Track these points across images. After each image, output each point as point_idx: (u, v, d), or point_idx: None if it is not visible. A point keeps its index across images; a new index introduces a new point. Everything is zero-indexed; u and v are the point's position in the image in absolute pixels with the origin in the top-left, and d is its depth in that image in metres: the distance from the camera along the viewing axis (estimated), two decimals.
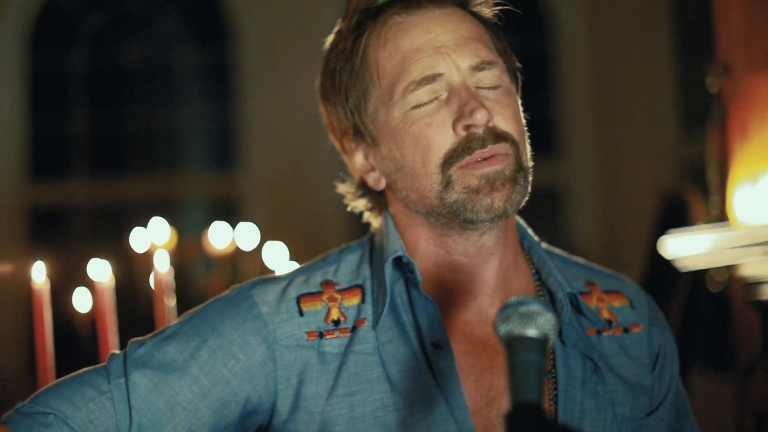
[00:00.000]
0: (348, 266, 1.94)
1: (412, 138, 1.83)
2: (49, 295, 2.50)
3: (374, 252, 1.95)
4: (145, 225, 4.22)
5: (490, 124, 1.81)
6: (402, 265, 1.88)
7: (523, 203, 1.86)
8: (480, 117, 1.79)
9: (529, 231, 2.02)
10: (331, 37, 1.97)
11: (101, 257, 2.91)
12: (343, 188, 2.05)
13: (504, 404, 1.85)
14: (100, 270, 2.73)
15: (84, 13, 9.31)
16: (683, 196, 4.15)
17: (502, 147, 1.82)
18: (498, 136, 1.82)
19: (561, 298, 1.91)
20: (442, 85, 1.83)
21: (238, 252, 4.54)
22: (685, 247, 3.60)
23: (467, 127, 1.81)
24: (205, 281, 4.56)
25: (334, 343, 1.85)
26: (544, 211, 8.53)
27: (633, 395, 1.93)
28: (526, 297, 1.46)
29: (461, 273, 1.90)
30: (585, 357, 1.89)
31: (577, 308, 1.94)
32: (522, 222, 2.02)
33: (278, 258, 4.42)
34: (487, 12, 1.95)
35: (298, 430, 1.82)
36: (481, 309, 1.91)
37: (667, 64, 8.65)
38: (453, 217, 1.84)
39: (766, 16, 3.68)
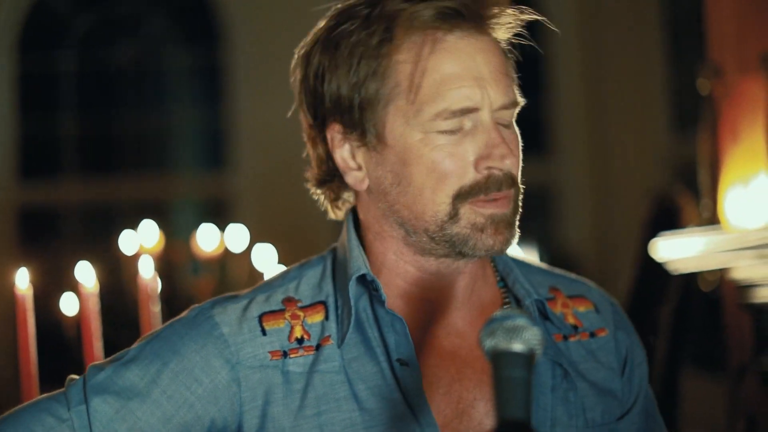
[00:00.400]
0: (309, 282, 1.88)
1: (430, 162, 1.77)
2: (33, 302, 2.47)
3: (337, 266, 1.89)
4: (134, 226, 4.20)
5: (508, 169, 1.79)
6: (366, 282, 1.83)
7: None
8: (509, 164, 1.77)
9: None
10: (329, 17, 1.85)
11: (90, 260, 2.88)
12: (309, 174, 1.94)
13: (473, 415, 1.82)
14: (86, 274, 2.70)
15: (74, 14, 9.27)
16: (674, 199, 4.14)
17: (510, 192, 1.80)
18: (512, 181, 1.79)
19: (528, 305, 1.88)
20: (472, 118, 1.77)
21: (226, 254, 4.50)
22: (677, 250, 3.59)
23: (489, 168, 1.77)
24: (193, 284, 4.51)
25: (298, 362, 1.80)
26: (536, 211, 8.53)
27: (603, 400, 1.90)
28: (512, 311, 1.42)
29: (430, 290, 1.87)
30: (554, 363, 1.87)
31: (544, 315, 1.91)
32: None
33: (267, 260, 4.40)
34: (506, 40, 1.88)
35: None
36: (449, 322, 1.87)
37: (658, 65, 8.64)
38: (447, 246, 1.81)
39: (757, 18, 3.67)
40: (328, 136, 1.85)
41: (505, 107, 1.78)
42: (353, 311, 1.80)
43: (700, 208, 3.82)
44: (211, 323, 1.81)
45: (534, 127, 8.71)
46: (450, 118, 1.75)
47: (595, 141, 8.84)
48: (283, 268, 4.56)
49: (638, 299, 4.12)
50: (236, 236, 4.61)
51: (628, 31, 8.63)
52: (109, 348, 2.74)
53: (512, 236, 1.81)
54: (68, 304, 3.49)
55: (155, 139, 9.24)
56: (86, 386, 1.78)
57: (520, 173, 1.82)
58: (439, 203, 1.78)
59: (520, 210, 1.83)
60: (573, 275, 2.05)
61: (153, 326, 2.64)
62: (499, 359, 1.37)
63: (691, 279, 3.92)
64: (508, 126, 1.81)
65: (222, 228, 4.71)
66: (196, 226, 4.83)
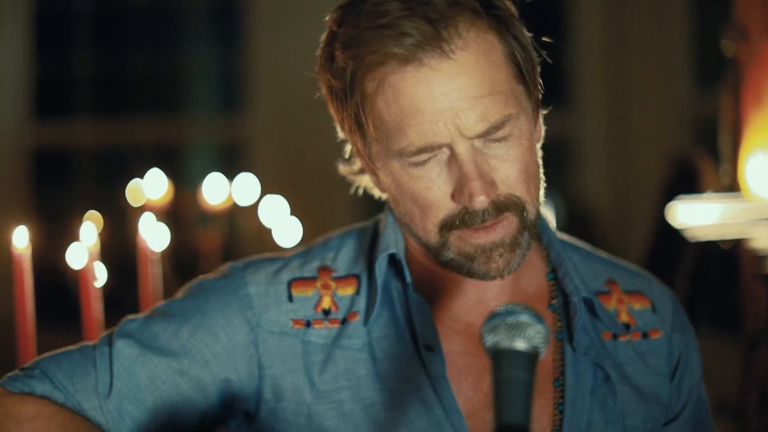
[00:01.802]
0: (348, 253, 1.86)
1: (411, 193, 1.71)
2: (30, 261, 2.41)
3: (375, 240, 1.85)
4: (146, 169, 4.11)
5: (492, 198, 1.67)
6: (396, 262, 1.80)
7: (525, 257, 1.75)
8: (479, 203, 1.65)
9: (551, 225, 1.91)
10: (325, 34, 1.77)
11: (99, 209, 2.83)
12: (344, 169, 1.93)
13: None
14: (87, 232, 2.65)
15: None
16: (694, 163, 4.06)
17: (504, 217, 1.69)
18: (500, 207, 1.69)
19: (575, 302, 1.81)
20: (444, 148, 1.67)
21: (235, 207, 4.42)
22: (695, 216, 3.52)
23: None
24: (200, 238, 4.44)
25: (321, 334, 1.79)
26: (553, 162, 8.41)
27: (647, 406, 1.84)
28: (515, 305, 1.36)
29: (460, 279, 1.81)
30: (596, 365, 1.80)
31: (593, 312, 1.83)
32: (544, 213, 1.88)
33: (277, 214, 4.33)
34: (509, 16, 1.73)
35: (286, 419, 1.77)
36: (487, 311, 1.77)
37: (681, 21, 8.51)
38: (450, 269, 1.76)
39: None
40: (349, 139, 1.83)
41: (485, 134, 1.66)
42: (378, 291, 1.77)
43: (720, 174, 3.75)
44: (240, 282, 1.81)
45: (553, 79, 8.59)
46: (413, 156, 1.67)
47: (615, 93, 8.73)
48: (295, 221, 4.53)
49: (654, 263, 4.06)
50: (245, 188, 4.50)
51: None
52: (110, 305, 2.70)
53: (514, 258, 1.72)
54: (74, 257, 3.42)
55: (170, 80, 9.16)
56: (115, 332, 1.82)
57: (525, 182, 1.71)
58: (428, 231, 1.72)
59: (532, 222, 1.73)
60: (635, 267, 1.97)
61: (153, 288, 2.58)
62: (500, 358, 1.31)
63: (708, 245, 3.84)
64: (503, 139, 1.68)
65: (233, 177, 4.60)
66: (208, 173, 4.73)
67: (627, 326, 1.86)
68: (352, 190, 1.94)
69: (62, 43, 9.05)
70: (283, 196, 4.67)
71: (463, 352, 1.78)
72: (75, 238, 3.48)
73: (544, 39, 1.78)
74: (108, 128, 9.04)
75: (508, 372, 1.29)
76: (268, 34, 8.68)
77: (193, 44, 9.12)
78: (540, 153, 1.80)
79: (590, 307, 1.82)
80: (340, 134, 1.85)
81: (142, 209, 3.85)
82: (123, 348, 1.78)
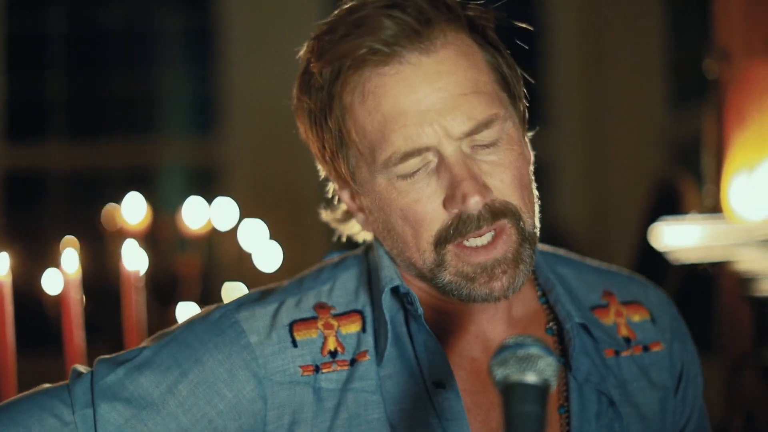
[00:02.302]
0: (344, 286, 1.75)
1: (400, 210, 1.63)
2: (12, 288, 2.36)
3: (372, 274, 1.76)
4: (120, 194, 4.06)
5: (487, 201, 1.60)
6: (399, 295, 1.70)
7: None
8: (473, 204, 1.58)
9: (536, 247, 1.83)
10: (301, 62, 1.72)
11: (74, 233, 2.77)
12: (327, 216, 1.85)
13: None
14: (68, 259, 2.59)
15: None
16: (677, 184, 4.05)
17: (500, 224, 1.62)
18: (496, 213, 1.62)
19: (569, 329, 1.73)
20: (431, 153, 1.61)
21: (214, 232, 4.36)
22: (677, 238, 3.50)
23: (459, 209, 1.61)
24: (179, 262, 4.38)
25: (331, 378, 1.67)
26: None
27: (650, 426, 1.78)
28: (525, 337, 1.32)
29: (458, 311, 1.74)
30: (599, 392, 1.74)
31: (589, 334, 1.76)
32: None
33: (257, 238, 4.28)
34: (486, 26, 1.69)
35: None
36: (487, 343, 1.74)
37: (656, 41, 8.53)
38: (446, 294, 1.67)
39: (766, 2, 3.58)
40: (332, 180, 1.77)
41: (472, 132, 1.60)
42: (389, 326, 1.67)
43: (703, 195, 3.74)
44: (237, 330, 1.68)
45: (529, 100, 8.57)
46: (403, 162, 1.61)
47: (591, 115, 8.74)
48: (275, 245, 4.49)
49: None
50: (224, 212, 4.45)
51: (627, 5, 8.51)
52: (88, 331, 2.64)
53: (518, 274, 1.64)
54: (50, 283, 3.37)
55: (145, 102, 9.10)
56: (94, 387, 1.64)
57: (520, 189, 1.64)
58: (422, 251, 1.64)
59: (531, 233, 1.66)
60: (627, 272, 1.92)
61: (137, 315, 2.53)
62: (510, 392, 1.27)
63: (690, 267, 3.83)
64: (492, 144, 1.63)
65: (212, 199, 4.55)
66: (184, 196, 4.67)
67: (627, 340, 1.81)
68: (335, 238, 1.87)
69: (35, 65, 8.99)
70: (261, 220, 4.62)
71: (468, 390, 1.70)
72: (50, 262, 3.43)
73: (519, 25, 1.72)
74: (82, 151, 8.97)
75: (520, 406, 1.25)
76: (243, 56, 8.65)
77: (169, 66, 9.07)
78: (532, 170, 1.74)
79: (586, 328, 1.76)
80: (322, 170, 1.78)
81: (120, 233, 3.80)
82: (108, 413, 1.61)
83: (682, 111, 7.93)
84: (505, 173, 1.63)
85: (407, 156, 1.60)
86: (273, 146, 8.03)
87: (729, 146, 3.60)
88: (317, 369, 1.67)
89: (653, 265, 3.93)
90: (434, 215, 1.62)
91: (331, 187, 1.80)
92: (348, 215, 1.82)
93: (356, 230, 1.84)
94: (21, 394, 1.68)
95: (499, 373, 1.30)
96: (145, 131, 9.06)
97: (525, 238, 1.64)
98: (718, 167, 3.61)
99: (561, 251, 1.88)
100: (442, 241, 1.62)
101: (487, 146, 1.62)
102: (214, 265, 5.87)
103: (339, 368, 1.68)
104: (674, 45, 8.37)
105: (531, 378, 1.27)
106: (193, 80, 9.14)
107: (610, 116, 8.60)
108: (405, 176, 1.62)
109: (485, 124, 1.61)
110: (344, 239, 1.87)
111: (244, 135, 8.63)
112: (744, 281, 3.37)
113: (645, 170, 7.65)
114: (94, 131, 9.06)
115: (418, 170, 1.61)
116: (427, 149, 1.60)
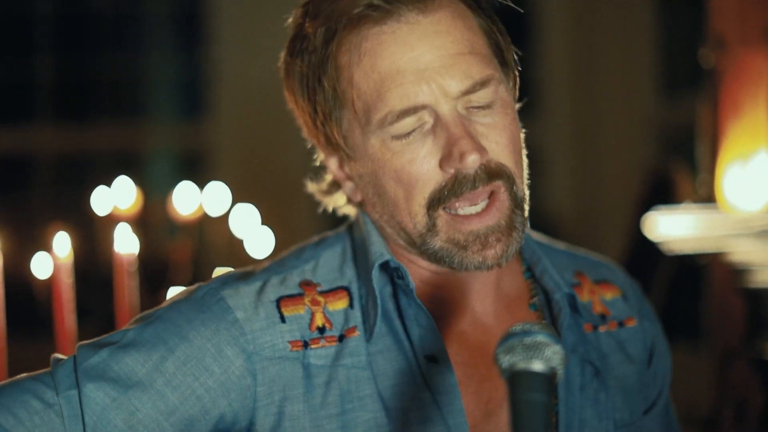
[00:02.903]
0: (328, 264, 1.74)
1: (394, 172, 1.63)
2: (3, 274, 2.33)
3: (357, 250, 1.75)
4: (108, 177, 4.02)
5: (483, 161, 1.61)
6: (389, 270, 1.69)
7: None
8: (471, 161, 1.59)
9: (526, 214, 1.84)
10: (291, 26, 1.72)
11: (62, 217, 2.74)
12: (312, 187, 1.84)
13: (502, 417, 1.69)
14: (59, 243, 2.56)
15: None
16: (670, 174, 4.04)
17: (495, 185, 1.62)
18: (492, 173, 1.62)
19: (558, 300, 1.74)
20: (427, 112, 1.61)
21: (205, 217, 4.33)
22: (671, 228, 3.49)
23: (456, 168, 1.61)
24: (170, 248, 4.34)
25: (320, 354, 1.65)
26: None
27: (631, 398, 1.79)
28: (531, 325, 1.31)
29: (449, 281, 1.73)
30: (584, 361, 1.74)
31: (574, 307, 1.78)
32: None
33: (248, 223, 4.26)
34: None
35: None
36: (475, 317, 1.74)
37: (647, 29, 8.53)
38: (436, 261, 1.67)
39: None
40: (319, 149, 1.76)
41: (469, 91, 1.61)
42: (379, 301, 1.66)
43: (697, 185, 3.73)
44: (223, 306, 1.66)
45: (519, 88, 8.56)
46: (399, 121, 1.60)
47: (581, 103, 8.74)
48: (267, 230, 4.47)
49: (630, 274, 4.03)
50: (215, 197, 4.42)
51: None
52: (80, 315, 2.62)
53: (511, 243, 1.64)
54: (40, 267, 3.33)
55: (133, 86, 9.07)
56: (78, 369, 1.61)
57: (513, 154, 1.66)
58: (414, 214, 1.64)
59: (523, 197, 1.66)
60: (595, 256, 1.93)
61: (130, 301, 2.51)
62: (517, 380, 1.26)
63: (683, 257, 3.82)
64: (488, 105, 1.63)
65: (200, 184, 4.52)
66: (173, 180, 4.64)
67: (603, 317, 1.82)
68: (320, 210, 1.86)
69: (23, 48, 8.94)
70: (251, 204, 4.59)
71: (459, 362, 1.69)
72: (38, 246, 3.39)
73: (508, 4, 1.73)
74: (69, 134, 8.93)
75: (527, 395, 1.24)
76: (231, 40, 8.62)
77: (157, 50, 9.04)
78: (523, 140, 1.75)
79: (572, 302, 1.77)
80: (309, 139, 1.77)
81: (109, 218, 3.77)
82: (93, 393, 1.59)
83: (673, 99, 7.94)
84: (501, 136, 1.64)
85: (403, 114, 1.60)
86: (261, 131, 8.01)
87: (724, 136, 3.58)
88: (306, 345, 1.66)
89: (646, 254, 3.92)
90: (429, 176, 1.62)
91: (319, 156, 1.79)
92: (334, 187, 1.81)
93: (341, 203, 1.83)
94: (2, 381, 1.65)
95: (506, 360, 1.29)
96: (133, 115, 9.03)
97: (517, 203, 1.65)
98: (713, 157, 3.60)
99: (532, 233, 1.87)
100: (435, 202, 1.62)
101: (482, 108, 1.63)
102: (205, 251, 5.85)
103: (327, 344, 1.66)
104: (665, 33, 8.38)
105: (538, 366, 1.27)
106: (182, 64, 9.11)
107: (600, 105, 8.60)
108: (400, 137, 1.62)
109: (482, 83, 1.62)
110: (330, 210, 1.85)
111: (232, 119, 8.61)
112: (737, 272, 3.35)
113: (635, 159, 7.65)
114: (82, 115, 9.03)
115: (413, 131, 1.61)
116: (423, 107, 1.60)
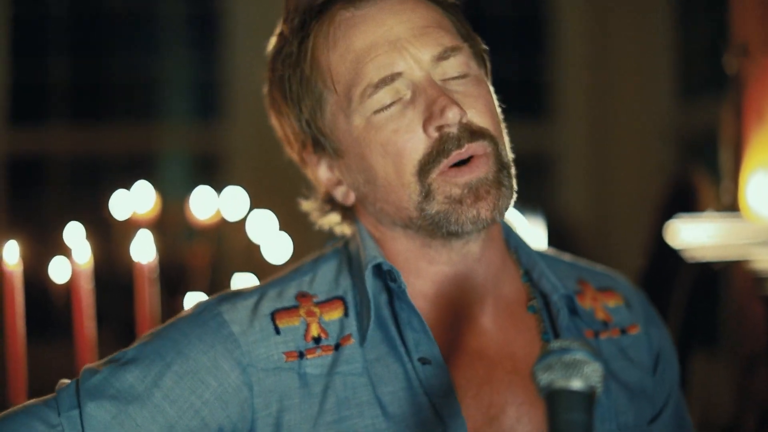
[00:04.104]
0: (325, 276, 1.78)
1: (380, 146, 1.68)
2: (22, 278, 2.31)
3: (352, 261, 1.79)
4: (124, 179, 4.02)
5: (464, 121, 1.67)
6: (383, 275, 1.73)
7: (511, 205, 1.72)
8: (452, 115, 1.65)
9: (515, 229, 1.89)
10: (273, 40, 1.82)
11: (79, 221, 2.73)
12: (307, 205, 1.90)
13: (504, 421, 1.71)
14: (79, 249, 2.54)
15: None
16: (692, 180, 4.02)
17: (480, 146, 1.68)
18: (474, 133, 1.68)
19: (556, 301, 1.78)
20: (404, 84, 1.69)
21: (223, 222, 4.32)
22: (692, 236, 3.47)
23: (439, 128, 1.66)
24: (188, 252, 4.32)
25: (316, 363, 1.69)
26: (532, 175, 8.40)
27: (635, 402, 1.81)
28: (570, 342, 1.29)
29: (447, 284, 1.76)
30: None
31: (573, 310, 1.82)
32: (507, 219, 1.87)
33: (266, 229, 4.24)
34: None
35: None
36: (474, 320, 1.77)
37: (664, 33, 8.50)
38: (435, 229, 1.70)
39: None
40: (307, 161, 1.82)
41: (441, 57, 1.69)
42: (372, 306, 1.69)
43: (720, 192, 3.71)
44: (218, 321, 1.70)
45: (533, 89, 8.59)
46: (377, 92, 1.67)
47: (597, 108, 8.71)
48: (285, 236, 4.45)
49: (650, 282, 4.02)
50: (233, 201, 4.40)
51: None
52: (102, 324, 2.61)
53: (502, 197, 1.69)
54: (58, 271, 3.31)
55: (148, 87, 9.07)
56: (79, 390, 1.66)
57: (493, 120, 1.72)
58: (407, 185, 1.68)
59: (508, 162, 1.72)
60: (600, 267, 1.97)
61: (152, 308, 2.50)
62: (556, 398, 1.25)
63: (705, 265, 3.80)
64: (462, 76, 1.71)
65: (216, 188, 4.51)
66: (188, 183, 4.62)
67: (605, 323, 1.85)
68: (316, 228, 1.91)
69: (38, 49, 8.94)
70: (267, 209, 4.58)
71: (457, 365, 1.72)
72: (54, 249, 3.38)
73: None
74: (84, 136, 8.94)
75: (566, 414, 1.23)
76: (248, 41, 8.61)
77: (172, 51, 9.04)
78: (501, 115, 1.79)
79: (570, 305, 1.81)
80: (295, 155, 1.85)
81: (128, 222, 3.76)
82: (94, 411, 1.63)
83: (691, 104, 7.90)
84: (477, 102, 1.70)
85: (381, 84, 1.67)
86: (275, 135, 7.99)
87: (747, 143, 3.57)
88: (301, 355, 1.69)
89: (666, 262, 3.91)
90: (415, 143, 1.67)
91: (307, 171, 1.85)
92: (327, 204, 1.87)
93: (335, 221, 1.89)
94: (11, 408, 1.70)
95: (544, 378, 1.28)
96: (149, 117, 9.03)
97: (503, 165, 1.70)
98: (736, 164, 3.58)
99: (539, 248, 1.93)
100: (426, 169, 1.67)
101: (456, 78, 1.70)
102: (223, 256, 5.84)
103: (323, 353, 1.70)
104: (683, 37, 8.35)
105: (577, 384, 1.25)
106: (198, 65, 9.11)
107: (616, 110, 8.57)
108: (380, 109, 1.68)
109: (452, 50, 1.70)
110: (326, 229, 1.91)
111: (249, 122, 8.60)
112: (760, 280, 3.35)
113: (651, 165, 7.63)
114: (97, 116, 9.03)
115: (392, 103, 1.68)
116: (399, 75, 1.67)
